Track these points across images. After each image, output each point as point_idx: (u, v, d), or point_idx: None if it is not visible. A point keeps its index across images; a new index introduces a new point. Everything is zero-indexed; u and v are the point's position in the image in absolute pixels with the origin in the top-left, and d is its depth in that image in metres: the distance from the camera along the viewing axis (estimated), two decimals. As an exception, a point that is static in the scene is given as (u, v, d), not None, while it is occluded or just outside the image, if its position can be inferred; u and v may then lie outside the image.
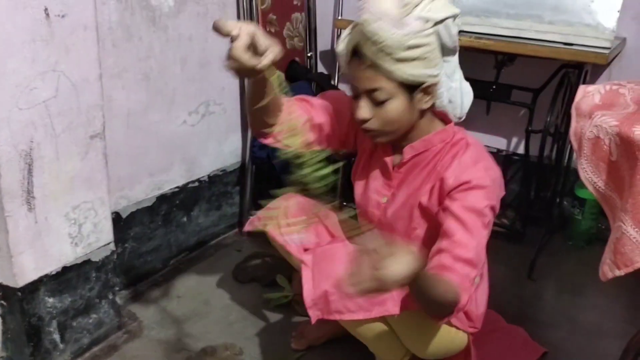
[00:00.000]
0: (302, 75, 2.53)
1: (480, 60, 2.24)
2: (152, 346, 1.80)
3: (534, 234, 2.37)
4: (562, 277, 2.24)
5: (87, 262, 1.69)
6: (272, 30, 2.42)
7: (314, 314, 1.42)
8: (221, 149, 2.37)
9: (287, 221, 1.51)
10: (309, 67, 2.65)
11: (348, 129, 1.47)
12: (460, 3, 2.17)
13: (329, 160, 1.33)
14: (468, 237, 1.27)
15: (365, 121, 1.34)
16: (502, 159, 2.60)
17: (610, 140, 1.23)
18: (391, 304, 1.37)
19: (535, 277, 2.20)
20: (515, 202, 2.56)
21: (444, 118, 1.43)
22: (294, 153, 1.32)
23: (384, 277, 1.05)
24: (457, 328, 1.44)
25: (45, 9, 1.41)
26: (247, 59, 1.14)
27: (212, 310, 1.98)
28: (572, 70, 2.14)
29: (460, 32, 2.12)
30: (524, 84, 2.36)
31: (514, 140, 2.62)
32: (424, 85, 1.30)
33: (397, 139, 1.41)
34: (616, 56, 2.21)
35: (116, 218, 1.90)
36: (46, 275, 1.59)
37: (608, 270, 1.21)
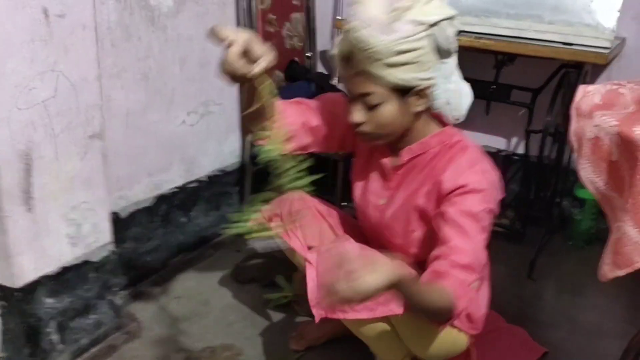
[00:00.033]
0: (301, 75, 2.52)
1: (480, 60, 2.24)
2: (151, 346, 1.80)
3: (534, 234, 2.37)
4: (562, 277, 2.24)
5: (86, 263, 1.69)
6: (272, 30, 2.42)
7: (317, 313, 1.42)
8: (221, 149, 2.36)
9: (264, 227, 1.50)
10: (308, 67, 2.65)
11: (346, 130, 1.47)
12: (460, 3, 2.17)
13: (309, 169, 1.34)
14: (464, 243, 1.27)
15: (359, 125, 1.35)
16: (502, 159, 2.60)
17: (611, 140, 1.23)
18: (395, 304, 1.37)
19: (535, 277, 2.20)
20: (515, 202, 2.56)
21: (442, 120, 1.43)
22: (273, 161, 1.32)
23: (356, 288, 1.06)
24: (459, 329, 1.44)
25: (44, 9, 1.41)
26: (240, 66, 1.16)
27: (212, 311, 1.97)
28: (571, 70, 2.13)
29: (460, 32, 2.12)
30: (524, 84, 2.36)
31: (514, 140, 2.62)
32: (417, 89, 1.30)
33: (393, 141, 1.41)
34: (616, 56, 2.21)
35: (115, 218, 1.90)
36: (45, 276, 1.58)
37: (608, 270, 1.20)
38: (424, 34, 1.25)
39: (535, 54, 2.08)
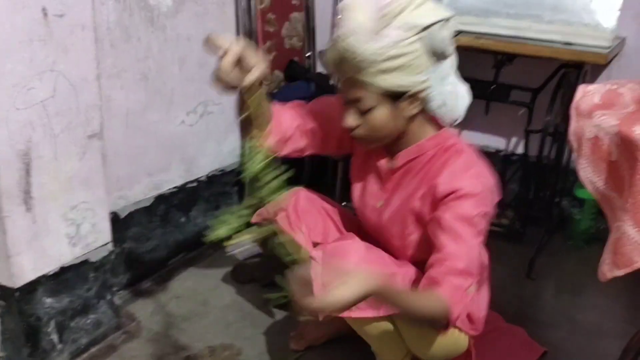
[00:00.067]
0: (300, 75, 2.53)
1: (480, 60, 2.24)
2: (150, 346, 1.80)
3: (534, 233, 2.37)
4: (561, 277, 2.24)
5: (85, 262, 1.69)
6: (271, 29, 2.42)
7: None
8: (220, 149, 2.36)
9: (242, 232, 1.51)
10: (307, 66, 2.65)
11: (342, 132, 1.47)
12: (459, 3, 2.17)
13: (289, 181, 1.37)
14: (459, 248, 1.28)
15: (353, 129, 1.36)
16: (501, 158, 2.60)
17: (610, 140, 1.23)
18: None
19: (535, 277, 2.20)
20: (514, 202, 2.56)
21: (438, 122, 1.42)
22: (254, 174, 1.35)
23: (328, 300, 1.08)
24: (460, 330, 1.44)
25: (44, 9, 1.40)
26: (232, 76, 1.20)
27: (211, 311, 1.97)
28: (571, 69, 2.13)
29: (460, 32, 2.12)
30: (523, 84, 2.36)
31: (513, 140, 2.62)
32: (409, 93, 1.29)
33: (389, 144, 1.41)
34: (616, 56, 2.20)
35: (114, 218, 1.90)
36: (44, 276, 1.58)
37: (607, 270, 1.20)
38: (415, 37, 1.24)
39: (534, 54, 2.08)
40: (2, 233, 1.46)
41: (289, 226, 1.55)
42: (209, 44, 1.22)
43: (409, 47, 1.24)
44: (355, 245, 1.43)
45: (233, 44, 1.20)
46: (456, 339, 1.45)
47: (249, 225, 1.49)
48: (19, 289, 1.53)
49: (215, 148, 2.34)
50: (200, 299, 2.03)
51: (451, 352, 1.47)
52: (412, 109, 1.33)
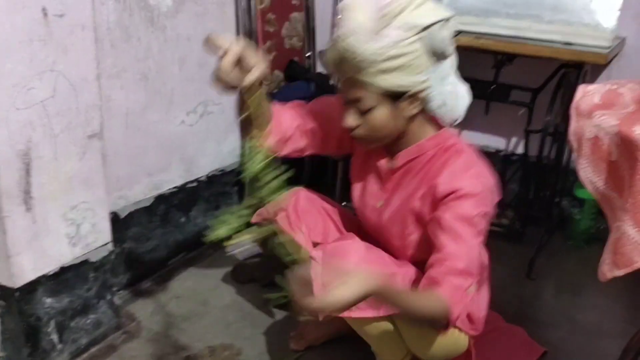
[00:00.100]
0: (300, 75, 2.53)
1: (480, 60, 2.24)
2: (150, 346, 1.80)
3: (533, 233, 2.37)
4: (561, 277, 2.24)
5: (85, 262, 1.69)
6: (271, 29, 2.42)
7: None
8: (220, 149, 2.36)
9: (240, 233, 1.51)
10: (307, 66, 2.65)
11: (342, 132, 1.47)
12: (459, 3, 2.17)
13: (289, 181, 1.37)
14: (459, 248, 1.28)
15: (353, 129, 1.36)
16: (501, 158, 2.60)
17: (610, 140, 1.23)
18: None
19: (535, 277, 2.20)
20: (514, 202, 2.56)
21: (438, 122, 1.42)
22: (254, 174, 1.36)
23: (327, 301, 1.09)
24: (460, 330, 1.44)
25: (43, 9, 1.40)
26: (232, 77, 1.21)
27: (211, 311, 1.97)
28: (571, 69, 2.13)
29: (460, 32, 2.12)
30: (523, 84, 2.36)
31: (513, 140, 2.62)
32: (409, 93, 1.29)
33: (390, 144, 1.41)
34: (616, 56, 2.20)
35: (114, 218, 1.90)
36: (44, 276, 1.58)
37: (607, 270, 1.20)
38: (415, 37, 1.24)
39: (534, 54, 2.08)
40: (2, 233, 1.46)
41: (289, 226, 1.55)
42: (209, 44, 1.22)
43: (409, 47, 1.24)
44: (355, 245, 1.43)
45: (233, 44, 1.21)
46: (456, 339, 1.45)
47: (249, 225, 1.49)
48: (19, 289, 1.53)
49: (215, 148, 2.34)
50: (200, 299, 2.03)
51: (451, 352, 1.47)
52: (412, 109, 1.33)
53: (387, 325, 1.47)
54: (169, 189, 2.16)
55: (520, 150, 2.57)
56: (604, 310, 2.04)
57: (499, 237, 2.38)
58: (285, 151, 1.49)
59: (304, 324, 1.83)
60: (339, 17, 1.29)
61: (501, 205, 2.57)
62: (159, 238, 2.15)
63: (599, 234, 2.39)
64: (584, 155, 1.29)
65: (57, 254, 1.61)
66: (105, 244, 1.74)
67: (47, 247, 1.57)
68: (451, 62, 1.34)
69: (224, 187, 2.42)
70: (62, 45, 1.47)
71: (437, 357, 1.46)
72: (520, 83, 2.35)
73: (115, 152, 1.88)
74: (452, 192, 1.31)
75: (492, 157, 2.61)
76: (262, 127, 1.41)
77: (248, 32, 2.32)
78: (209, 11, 2.16)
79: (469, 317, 1.47)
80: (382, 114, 1.31)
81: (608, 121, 1.24)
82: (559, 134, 2.30)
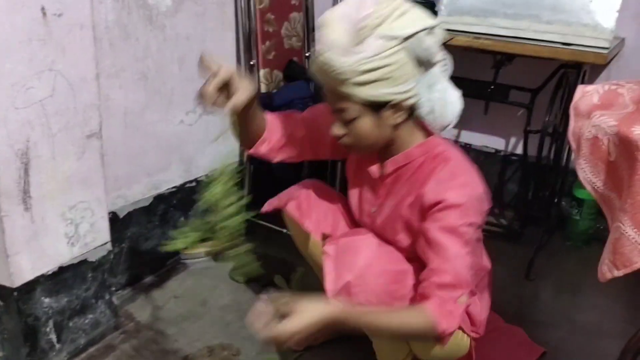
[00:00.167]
0: (300, 74, 2.52)
1: (479, 60, 2.24)
2: (149, 346, 1.79)
3: (533, 234, 2.37)
4: (560, 277, 2.23)
5: (83, 262, 1.68)
6: (270, 29, 2.42)
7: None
8: (219, 148, 2.36)
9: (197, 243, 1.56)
10: (307, 66, 2.64)
11: (335, 139, 1.48)
12: (459, 3, 2.17)
13: (247, 207, 1.44)
14: (444, 262, 1.30)
15: (339, 137, 1.38)
16: (501, 159, 2.60)
17: (609, 140, 1.23)
18: (400, 302, 1.39)
19: (534, 277, 2.20)
20: (513, 202, 2.56)
21: (428, 129, 1.42)
22: (214, 200, 1.43)
23: (280, 334, 1.14)
24: (463, 331, 1.44)
25: (42, 8, 1.40)
26: (217, 100, 1.28)
27: (210, 311, 1.97)
28: (570, 70, 2.13)
29: (459, 32, 2.12)
30: (523, 84, 2.36)
31: (512, 140, 2.62)
32: (392, 102, 1.29)
33: (380, 150, 1.42)
34: (615, 56, 2.20)
35: (113, 218, 1.89)
36: (42, 275, 1.58)
37: (607, 270, 1.20)
38: (397, 48, 1.23)
39: (534, 54, 2.08)
40: (1, 232, 1.46)
41: (298, 214, 1.59)
42: (203, 65, 1.28)
43: (391, 58, 1.23)
44: (368, 241, 1.45)
45: (222, 69, 1.26)
46: (459, 340, 1.45)
47: (205, 239, 1.55)
48: (17, 289, 1.53)
49: (214, 148, 2.33)
50: (199, 299, 2.02)
51: (453, 353, 1.47)
52: (397, 117, 1.33)
53: None
54: (168, 188, 2.16)
55: (519, 150, 2.57)
56: (604, 311, 2.04)
57: (498, 237, 2.38)
58: (279, 159, 1.54)
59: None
60: (318, 32, 1.31)
61: (500, 205, 2.58)
62: (158, 238, 2.14)
63: (598, 234, 2.39)
64: (583, 156, 1.29)
65: (56, 253, 1.60)
66: (104, 244, 1.74)
67: (45, 246, 1.57)
68: (441, 68, 1.33)
69: (223, 187, 2.41)
70: (61, 45, 1.47)
71: (439, 358, 1.46)
72: (520, 83, 2.35)
73: (114, 151, 1.88)
74: (438, 203, 1.32)
75: (492, 157, 2.61)
76: (256, 136, 1.47)
77: (247, 32, 2.32)
78: (208, 11, 2.16)
79: (471, 320, 1.48)
80: (365, 124, 1.32)
81: (607, 121, 1.24)
82: (558, 134, 2.30)
